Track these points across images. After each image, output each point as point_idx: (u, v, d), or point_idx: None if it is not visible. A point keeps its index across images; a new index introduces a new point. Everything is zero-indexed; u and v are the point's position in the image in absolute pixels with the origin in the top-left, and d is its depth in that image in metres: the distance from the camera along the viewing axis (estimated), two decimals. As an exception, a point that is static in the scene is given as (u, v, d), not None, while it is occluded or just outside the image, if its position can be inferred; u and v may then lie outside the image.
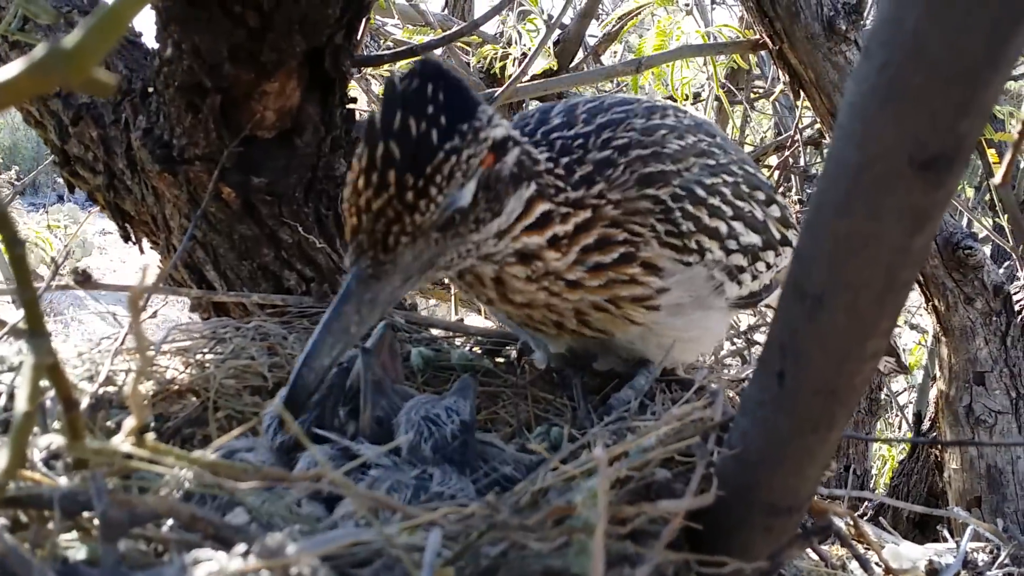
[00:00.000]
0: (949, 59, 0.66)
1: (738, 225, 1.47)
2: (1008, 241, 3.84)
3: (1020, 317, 2.85)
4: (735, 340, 2.43)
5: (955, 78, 0.67)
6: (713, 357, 1.91)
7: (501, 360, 1.63)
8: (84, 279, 1.81)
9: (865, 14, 2.52)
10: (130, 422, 0.73)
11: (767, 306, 1.72)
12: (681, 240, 1.37)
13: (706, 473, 1.00)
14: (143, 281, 0.64)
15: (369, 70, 3.83)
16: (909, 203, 0.74)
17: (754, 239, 1.49)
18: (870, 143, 0.73)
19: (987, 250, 4.37)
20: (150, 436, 0.74)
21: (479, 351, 1.64)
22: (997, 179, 1.01)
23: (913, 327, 5.62)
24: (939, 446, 3.05)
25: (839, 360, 0.87)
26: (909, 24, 0.67)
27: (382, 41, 4.97)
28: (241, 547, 0.69)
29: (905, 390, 6.52)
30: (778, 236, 1.55)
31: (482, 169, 1.12)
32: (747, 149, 5.25)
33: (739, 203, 1.48)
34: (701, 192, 1.41)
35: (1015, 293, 2.90)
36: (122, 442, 0.73)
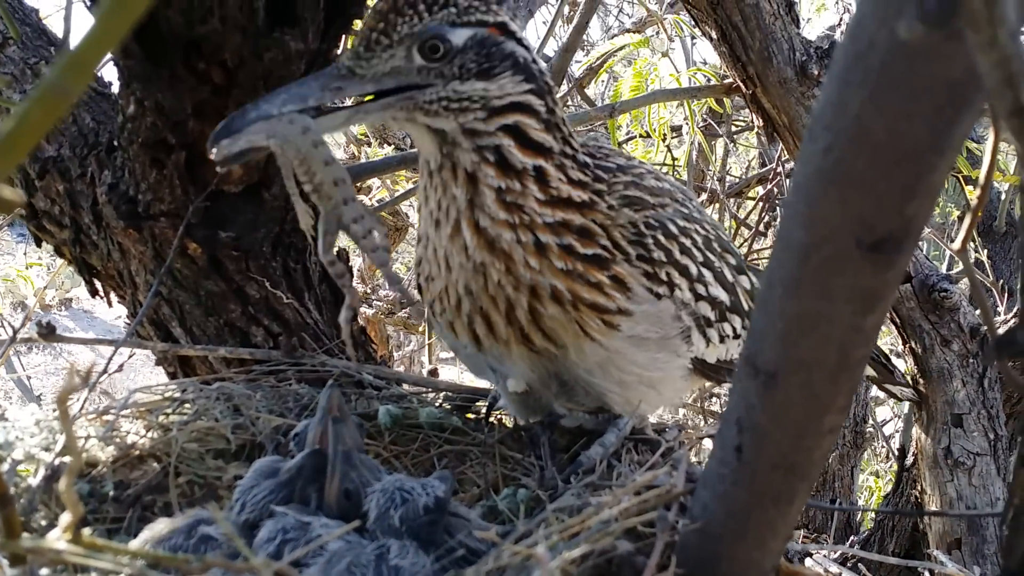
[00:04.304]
0: (893, 144, 0.66)
1: (707, 274, 1.46)
2: (988, 276, 3.86)
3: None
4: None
5: (900, 162, 0.66)
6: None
7: (471, 416, 1.61)
8: (48, 331, 1.79)
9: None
10: (66, 517, 0.70)
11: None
12: (652, 267, 1.37)
13: (668, 544, 0.98)
14: (71, 381, 0.62)
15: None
16: (859, 284, 0.73)
17: (722, 295, 1.48)
18: (817, 224, 0.72)
19: (966, 281, 4.37)
20: (87, 531, 0.72)
21: (448, 407, 1.62)
22: (957, 244, 1.01)
23: (900, 355, 5.60)
24: (919, 489, 3.04)
25: (796, 436, 0.86)
26: (853, 108, 0.66)
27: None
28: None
29: (891, 420, 6.52)
30: (746, 307, 1.55)
31: (483, 30, 1.22)
32: (730, 181, 5.26)
33: (709, 255, 1.48)
34: (674, 228, 1.42)
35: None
36: (58, 539, 0.71)
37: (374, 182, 4.13)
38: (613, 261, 1.33)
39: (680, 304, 1.40)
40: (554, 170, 1.29)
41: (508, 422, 1.58)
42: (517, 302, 1.30)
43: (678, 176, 4.40)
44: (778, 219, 5.33)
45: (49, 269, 6.22)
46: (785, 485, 0.89)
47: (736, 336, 1.55)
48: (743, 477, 0.90)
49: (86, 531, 0.73)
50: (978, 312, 2.89)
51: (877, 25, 0.62)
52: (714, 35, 2.57)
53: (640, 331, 1.36)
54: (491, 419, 1.58)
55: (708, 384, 1.68)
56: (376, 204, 3.96)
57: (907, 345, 2.86)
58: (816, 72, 2.45)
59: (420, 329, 4.04)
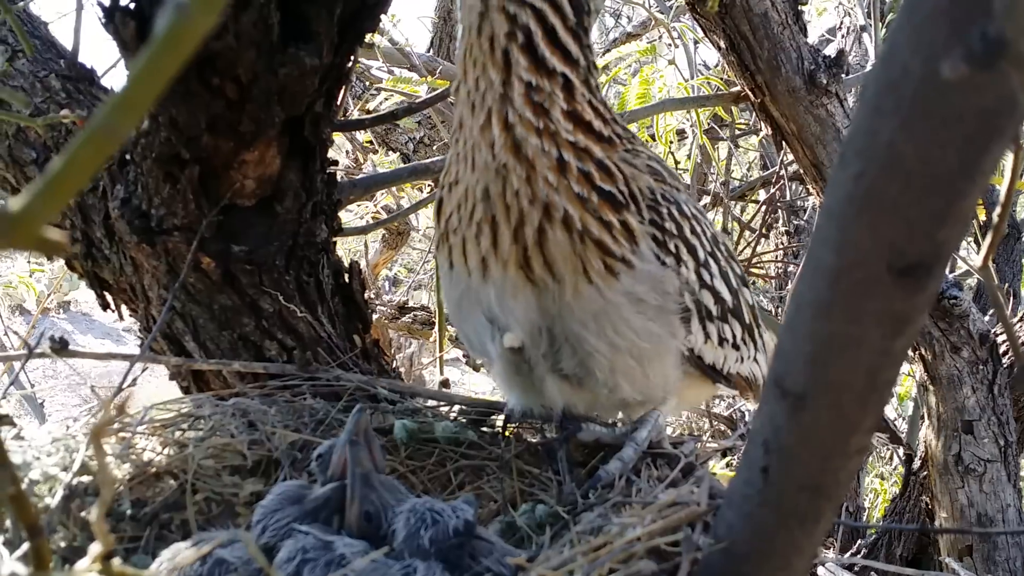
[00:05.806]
0: (924, 171, 0.66)
1: (713, 265, 1.46)
2: (994, 279, 3.85)
3: (1006, 362, 2.84)
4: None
5: (931, 189, 0.67)
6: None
7: (486, 430, 1.60)
8: (61, 347, 1.79)
9: (846, 67, 2.54)
10: (95, 547, 0.70)
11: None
12: (663, 235, 1.36)
13: (693, 563, 0.98)
14: (107, 413, 0.62)
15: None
16: (889, 308, 0.73)
17: (726, 294, 1.48)
18: (847, 249, 0.72)
19: (972, 283, 4.36)
20: (116, 561, 0.72)
21: (464, 421, 1.62)
22: (978, 261, 1.01)
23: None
24: (929, 495, 3.04)
25: (823, 457, 0.86)
26: (884, 135, 0.66)
27: (368, 84, 4.98)
28: None
29: (895, 420, 6.50)
30: (747, 319, 1.55)
31: None
32: (734, 185, 5.26)
33: (716, 251, 1.48)
34: (687, 210, 1.42)
35: (1000, 335, 2.89)
36: (87, 569, 0.70)
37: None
38: (626, 208, 1.33)
39: (684, 283, 1.39)
40: (579, 84, 1.28)
41: (525, 436, 1.57)
42: (528, 218, 1.29)
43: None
44: (780, 222, 5.35)
45: (50, 274, 6.21)
46: (811, 506, 0.90)
47: (735, 346, 1.53)
48: (769, 498, 0.90)
49: (116, 561, 0.73)
50: (987, 318, 2.89)
51: (910, 54, 0.62)
52: (722, 44, 2.57)
53: (640, 292, 1.34)
54: (507, 433, 1.58)
55: (711, 392, 1.68)
56: (384, 214, 3.96)
57: (916, 352, 2.86)
58: (824, 81, 2.45)
59: (431, 339, 4.03)
